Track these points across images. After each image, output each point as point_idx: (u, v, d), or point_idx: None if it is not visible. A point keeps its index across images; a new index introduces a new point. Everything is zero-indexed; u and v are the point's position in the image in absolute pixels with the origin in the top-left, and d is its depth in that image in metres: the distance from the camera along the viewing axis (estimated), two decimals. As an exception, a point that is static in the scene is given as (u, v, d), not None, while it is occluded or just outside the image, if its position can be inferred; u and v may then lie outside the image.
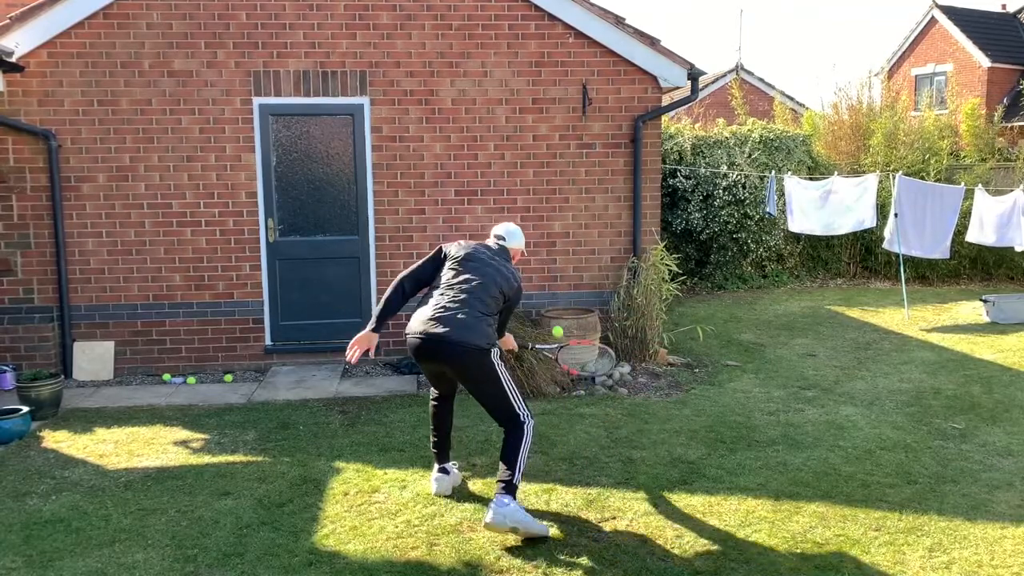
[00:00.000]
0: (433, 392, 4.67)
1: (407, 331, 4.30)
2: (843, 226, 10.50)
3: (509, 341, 4.94)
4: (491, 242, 4.63)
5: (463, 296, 4.25)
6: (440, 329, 4.15)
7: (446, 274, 4.39)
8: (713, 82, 22.09)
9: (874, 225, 10.37)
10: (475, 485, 4.73)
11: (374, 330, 4.37)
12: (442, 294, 4.29)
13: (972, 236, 10.10)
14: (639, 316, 7.46)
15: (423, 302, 4.37)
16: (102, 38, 7.14)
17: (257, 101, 7.38)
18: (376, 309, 4.39)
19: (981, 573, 3.75)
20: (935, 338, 8.83)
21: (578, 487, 4.68)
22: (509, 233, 4.65)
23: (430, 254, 4.52)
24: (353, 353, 4.32)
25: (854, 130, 14.25)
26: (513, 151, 7.66)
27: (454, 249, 4.48)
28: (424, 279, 4.46)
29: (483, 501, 4.48)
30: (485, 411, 4.35)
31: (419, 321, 4.24)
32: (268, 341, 7.63)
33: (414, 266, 4.50)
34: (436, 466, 4.69)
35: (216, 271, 7.48)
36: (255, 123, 7.39)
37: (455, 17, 7.46)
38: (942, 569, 3.78)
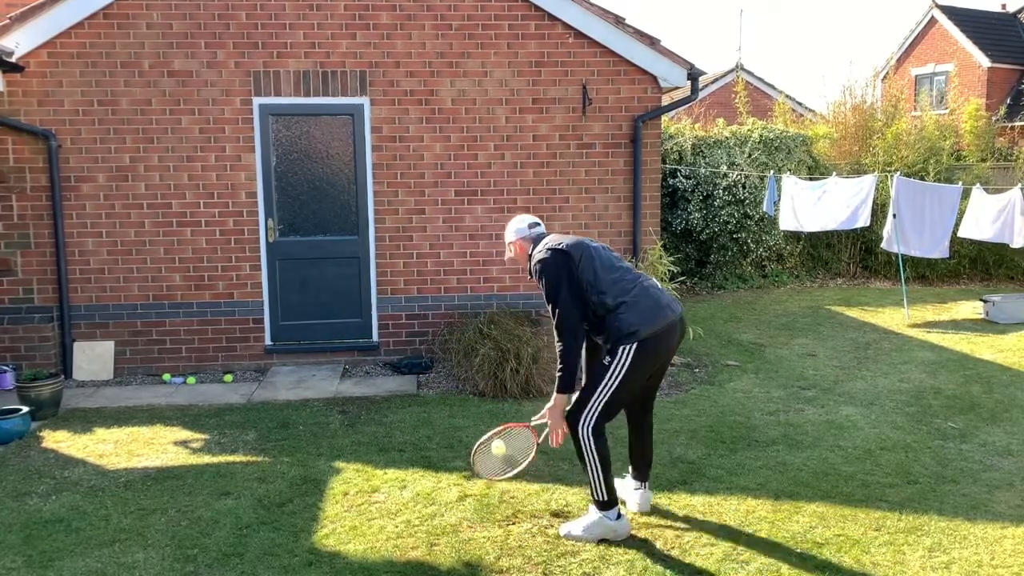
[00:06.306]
0: (616, 418, 4.08)
1: (648, 325, 3.85)
2: (833, 222, 10.44)
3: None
4: (541, 236, 4.51)
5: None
6: (678, 308, 4.03)
7: (613, 267, 4.03)
8: (713, 82, 22.09)
9: (867, 225, 10.34)
10: (475, 486, 4.73)
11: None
12: (647, 279, 4.05)
13: (966, 231, 10.04)
14: (639, 316, 7.45)
15: (626, 296, 3.90)
16: (102, 38, 7.14)
17: (257, 101, 7.38)
18: (571, 370, 3.93)
19: (981, 573, 3.75)
20: (935, 338, 8.83)
21: (578, 487, 4.68)
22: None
23: (558, 273, 4.12)
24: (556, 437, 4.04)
25: (857, 130, 14.25)
26: (513, 151, 7.66)
27: (576, 247, 4.21)
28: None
29: (483, 500, 4.49)
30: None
31: (658, 308, 3.91)
32: (268, 341, 7.63)
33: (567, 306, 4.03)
34: (635, 482, 4.39)
35: (216, 271, 7.48)
36: (255, 123, 7.39)
37: (455, 17, 7.46)
38: (942, 569, 3.78)
